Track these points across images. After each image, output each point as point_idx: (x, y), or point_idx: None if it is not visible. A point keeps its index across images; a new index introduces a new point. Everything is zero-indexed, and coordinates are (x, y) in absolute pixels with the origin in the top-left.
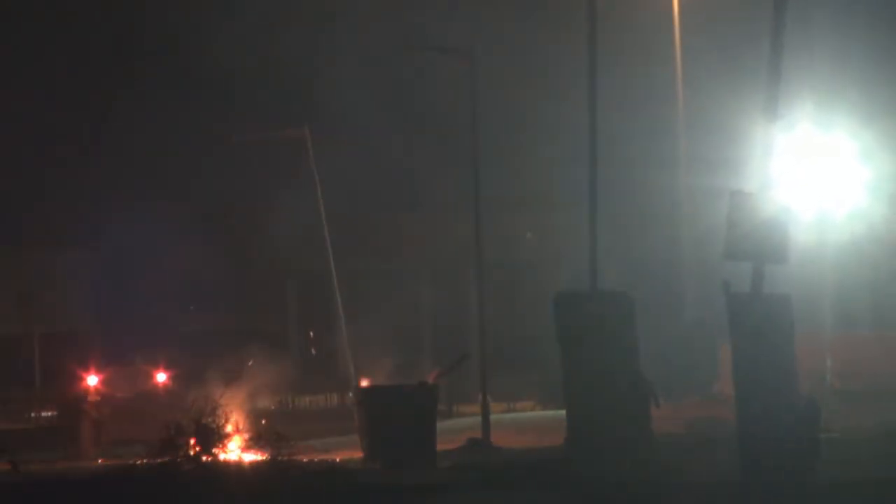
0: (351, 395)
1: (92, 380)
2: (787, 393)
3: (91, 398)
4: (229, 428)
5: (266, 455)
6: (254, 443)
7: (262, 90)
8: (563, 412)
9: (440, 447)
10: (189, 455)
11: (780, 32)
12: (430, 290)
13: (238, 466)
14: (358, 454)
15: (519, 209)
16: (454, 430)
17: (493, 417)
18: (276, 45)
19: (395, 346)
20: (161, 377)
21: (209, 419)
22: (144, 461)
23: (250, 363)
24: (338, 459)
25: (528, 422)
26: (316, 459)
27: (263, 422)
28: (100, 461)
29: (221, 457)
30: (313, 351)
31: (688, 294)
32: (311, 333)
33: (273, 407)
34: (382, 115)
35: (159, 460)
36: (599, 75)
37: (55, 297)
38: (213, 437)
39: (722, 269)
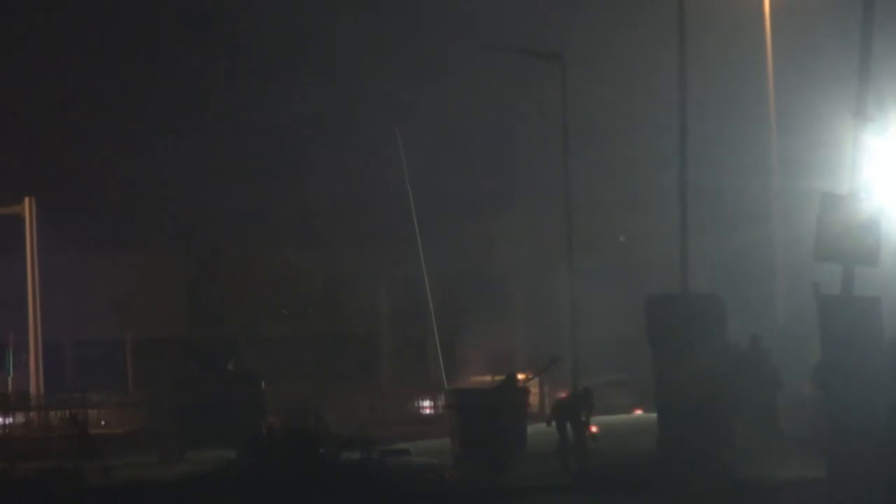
0: (442, 397)
1: None
2: (877, 394)
3: None
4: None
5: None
6: (346, 444)
7: (348, 89)
8: (656, 415)
9: (532, 449)
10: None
11: (869, 34)
12: (521, 292)
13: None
14: (449, 457)
15: (611, 211)
16: (546, 432)
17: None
18: (363, 40)
19: (487, 348)
20: None
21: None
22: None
23: None
24: (428, 462)
25: (621, 424)
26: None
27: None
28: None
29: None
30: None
31: (780, 296)
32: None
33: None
34: (472, 117)
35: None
36: (690, 77)
37: (149, 302)
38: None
39: (815, 272)
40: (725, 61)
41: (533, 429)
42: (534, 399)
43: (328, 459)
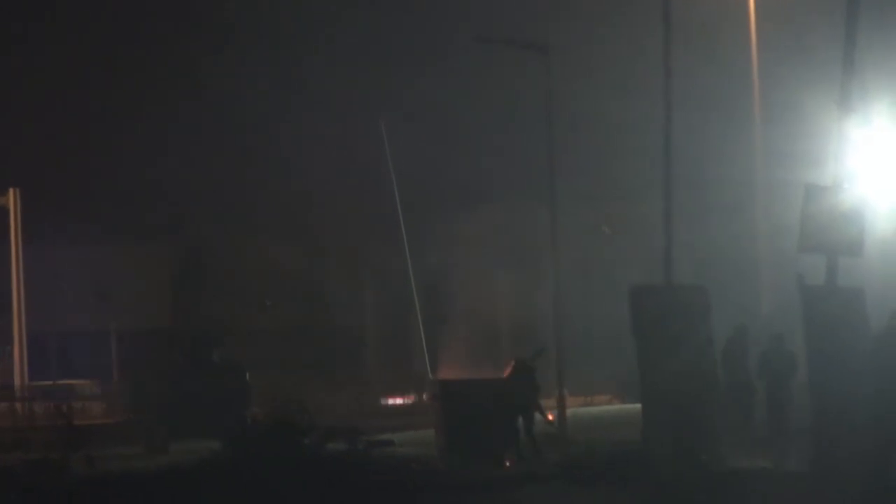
0: (427, 389)
1: None
2: (862, 384)
3: None
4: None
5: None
6: (330, 435)
7: (333, 80)
8: (640, 405)
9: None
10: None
11: (854, 25)
12: (505, 283)
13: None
14: (434, 448)
15: (595, 202)
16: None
17: (569, 411)
18: (348, 35)
19: (472, 339)
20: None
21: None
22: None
23: None
24: (412, 453)
25: (605, 415)
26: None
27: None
28: None
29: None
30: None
31: (764, 287)
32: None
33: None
34: (459, 108)
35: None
36: (674, 68)
37: (132, 293)
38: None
39: (800, 263)
40: (710, 52)
41: None
42: None
43: (313, 450)
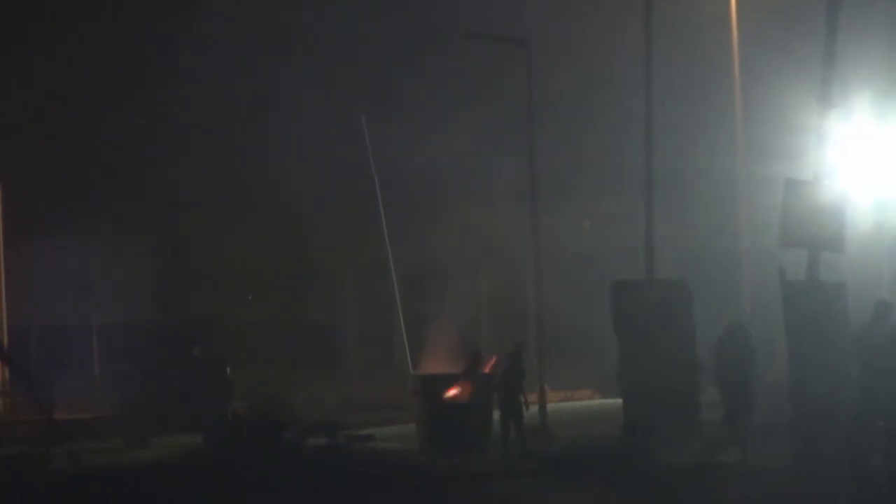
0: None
1: None
2: (843, 379)
3: None
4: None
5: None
6: (311, 430)
7: (313, 75)
8: (621, 401)
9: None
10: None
11: (835, 20)
12: (487, 279)
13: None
14: (415, 443)
15: (576, 198)
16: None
17: (550, 406)
18: (328, 27)
19: (453, 335)
20: None
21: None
22: None
23: None
24: (393, 447)
25: (586, 410)
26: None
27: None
28: None
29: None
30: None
31: (746, 283)
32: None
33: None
34: (438, 103)
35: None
36: (655, 62)
37: (115, 287)
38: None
39: (782, 258)
40: (691, 46)
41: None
42: None
43: (293, 445)
